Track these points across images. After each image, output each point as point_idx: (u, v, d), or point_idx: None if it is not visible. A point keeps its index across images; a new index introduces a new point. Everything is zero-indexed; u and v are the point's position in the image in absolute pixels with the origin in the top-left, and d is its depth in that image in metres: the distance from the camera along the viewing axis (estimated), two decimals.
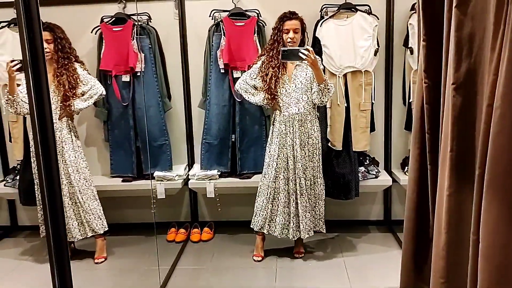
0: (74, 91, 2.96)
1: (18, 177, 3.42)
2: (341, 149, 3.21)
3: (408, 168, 3.37)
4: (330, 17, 3.17)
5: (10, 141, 3.46)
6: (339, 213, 3.61)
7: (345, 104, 3.18)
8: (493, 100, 1.20)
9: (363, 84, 3.17)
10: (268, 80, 2.89)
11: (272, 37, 2.94)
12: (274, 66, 2.90)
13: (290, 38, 2.85)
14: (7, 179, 3.50)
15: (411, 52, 3.19)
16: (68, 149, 2.98)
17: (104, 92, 3.10)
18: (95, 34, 3.35)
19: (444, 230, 1.76)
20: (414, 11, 3.20)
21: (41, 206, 1.29)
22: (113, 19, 3.34)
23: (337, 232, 3.48)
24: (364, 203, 3.61)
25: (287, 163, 2.93)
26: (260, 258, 3.09)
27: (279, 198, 2.97)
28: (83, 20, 3.35)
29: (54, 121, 2.86)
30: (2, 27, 3.32)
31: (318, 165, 2.99)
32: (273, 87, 2.89)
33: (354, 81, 3.17)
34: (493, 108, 1.19)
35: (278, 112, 2.97)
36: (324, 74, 3.16)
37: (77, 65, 3.02)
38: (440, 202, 1.79)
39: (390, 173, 3.47)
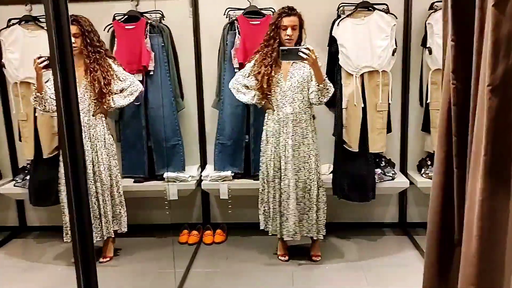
0: (109, 88, 2.89)
1: (28, 177, 3.38)
2: (357, 150, 3.16)
3: (424, 170, 3.33)
4: (347, 16, 3.12)
5: (20, 140, 3.42)
6: (353, 215, 3.56)
7: (362, 105, 3.12)
8: None
9: (380, 84, 3.11)
10: (260, 78, 2.82)
11: (269, 33, 2.83)
12: (267, 64, 2.82)
13: (288, 35, 2.77)
14: (17, 179, 3.47)
15: (430, 52, 3.13)
16: (101, 147, 2.93)
17: (143, 89, 3.05)
18: (107, 32, 3.31)
19: (476, 237, 1.70)
20: (433, 10, 3.15)
21: (67, 207, 1.25)
22: (126, 17, 3.30)
23: (352, 234, 3.43)
24: (379, 205, 3.56)
25: (280, 163, 2.87)
26: (286, 258, 3.05)
27: (282, 199, 2.92)
28: (95, 17, 3.27)
29: (88, 117, 2.86)
30: (13, 24, 3.28)
31: (314, 166, 2.89)
32: (265, 86, 2.82)
33: (371, 81, 3.11)
34: None
35: (271, 111, 2.91)
36: (341, 74, 3.12)
37: (110, 60, 2.95)
38: (471, 207, 1.73)
39: (406, 175, 3.42)
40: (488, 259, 1.64)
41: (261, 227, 3.04)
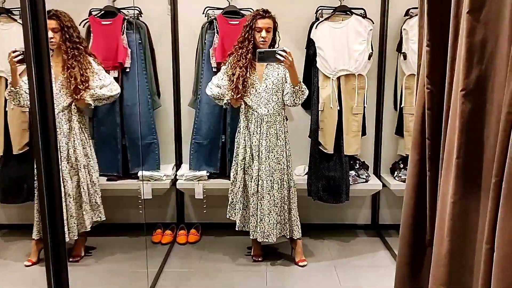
0: (86, 85, 2.83)
1: None
2: (332, 152, 3.19)
3: (397, 173, 3.39)
4: (325, 19, 3.15)
5: None
6: (327, 216, 3.59)
7: (338, 107, 3.16)
8: None
9: (356, 87, 3.15)
10: (235, 80, 2.82)
11: (243, 35, 2.84)
12: (242, 65, 2.82)
13: (262, 37, 2.79)
14: None
15: (404, 58, 3.20)
16: (78, 144, 2.88)
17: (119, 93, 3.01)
18: (83, 27, 3.24)
19: (447, 237, 1.74)
20: (409, 16, 3.21)
21: (39, 205, 1.22)
22: (102, 12, 3.24)
23: (326, 236, 3.46)
24: (352, 207, 3.60)
25: (252, 164, 2.89)
26: (260, 258, 3.05)
27: (252, 201, 2.92)
28: (70, 11, 3.22)
29: (63, 113, 2.80)
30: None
31: (287, 167, 2.92)
32: (240, 87, 2.82)
33: (347, 84, 3.15)
34: None
35: (245, 112, 2.92)
36: (318, 76, 3.15)
37: (90, 58, 2.90)
38: (443, 209, 1.77)
39: (379, 177, 3.47)
40: (459, 260, 1.68)
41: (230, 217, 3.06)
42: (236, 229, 3.01)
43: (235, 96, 2.83)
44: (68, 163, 2.86)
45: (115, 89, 2.96)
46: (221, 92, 2.89)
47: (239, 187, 2.96)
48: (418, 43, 2.33)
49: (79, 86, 2.80)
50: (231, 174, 3.02)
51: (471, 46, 1.53)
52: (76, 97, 2.81)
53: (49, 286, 1.33)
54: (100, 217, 3.03)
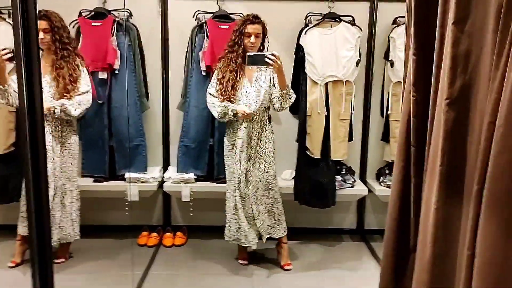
0: (75, 85, 2.82)
1: None
2: (319, 157, 3.22)
3: (383, 178, 3.43)
4: (314, 25, 3.19)
5: None
6: (313, 220, 3.61)
7: (325, 113, 3.19)
8: (495, 117, 1.22)
9: (343, 94, 3.19)
10: (224, 83, 2.84)
11: (233, 40, 2.87)
12: (232, 69, 2.85)
13: (251, 42, 2.81)
14: None
15: (391, 65, 3.24)
16: (62, 145, 2.87)
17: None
18: (73, 27, 3.23)
19: (430, 243, 1.77)
20: (396, 24, 3.27)
21: (26, 205, 1.22)
22: (92, 13, 3.24)
23: (311, 240, 3.49)
24: (338, 212, 3.63)
25: (246, 168, 2.88)
26: (246, 262, 3.06)
27: (246, 205, 2.91)
28: (61, 12, 3.21)
29: (49, 114, 2.77)
30: None
31: (272, 168, 2.93)
32: (229, 90, 2.83)
33: (335, 90, 3.19)
34: (495, 125, 1.21)
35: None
36: (307, 82, 3.18)
37: (78, 60, 2.88)
38: (426, 215, 1.81)
39: (365, 182, 3.51)
40: (441, 265, 1.71)
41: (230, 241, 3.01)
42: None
43: (222, 98, 2.84)
44: (53, 165, 2.84)
45: (86, 104, 2.90)
46: (224, 106, 2.83)
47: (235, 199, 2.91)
48: (405, 51, 2.37)
49: (67, 86, 2.79)
50: (228, 185, 2.96)
51: (456, 56, 1.56)
52: (64, 97, 2.80)
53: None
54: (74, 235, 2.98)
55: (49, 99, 2.81)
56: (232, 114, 2.81)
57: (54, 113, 2.77)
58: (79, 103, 2.86)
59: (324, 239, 3.51)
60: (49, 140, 2.83)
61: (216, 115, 2.90)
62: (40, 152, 1.21)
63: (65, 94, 2.80)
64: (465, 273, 1.38)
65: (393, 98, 3.27)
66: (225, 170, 2.99)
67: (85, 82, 2.91)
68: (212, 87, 2.93)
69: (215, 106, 2.87)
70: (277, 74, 2.77)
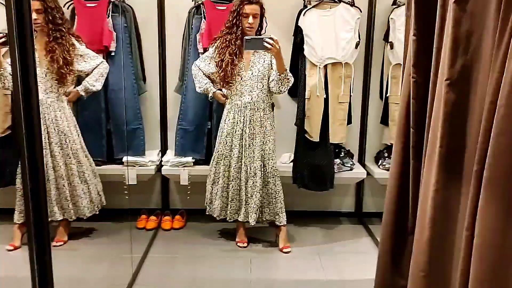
0: (70, 68, 2.79)
1: None
2: (318, 140, 3.20)
3: (381, 161, 3.43)
4: (313, 6, 3.14)
5: None
6: (311, 204, 3.62)
7: (324, 96, 3.16)
8: (496, 97, 1.20)
9: (342, 76, 3.16)
10: (224, 66, 2.81)
11: (230, 20, 2.83)
12: (231, 52, 2.81)
13: (249, 23, 2.78)
14: None
15: (391, 47, 3.21)
16: (64, 129, 2.88)
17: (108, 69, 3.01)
18: (68, 9, 3.17)
19: (428, 225, 1.77)
20: (396, 6, 3.22)
21: (22, 189, 1.21)
22: None
23: (310, 223, 3.50)
24: (336, 195, 3.64)
25: (238, 151, 2.89)
26: (245, 244, 3.07)
27: (231, 186, 2.94)
28: None
29: (51, 99, 2.79)
30: None
31: (271, 153, 2.92)
32: (229, 75, 2.81)
33: (334, 72, 3.16)
34: (496, 105, 1.19)
35: (229, 100, 2.92)
36: (305, 64, 3.15)
37: (73, 39, 2.84)
38: (425, 197, 1.80)
39: (364, 166, 3.50)
40: (439, 247, 1.71)
41: (214, 215, 3.05)
42: (217, 218, 3.04)
43: (223, 84, 2.83)
44: (60, 149, 2.85)
45: (105, 70, 2.97)
46: (206, 87, 2.94)
47: (218, 179, 2.96)
48: (405, 32, 2.34)
49: (61, 70, 2.76)
50: (210, 164, 3.02)
51: (457, 37, 1.54)
52: (61, 81, 2.77)
53: (32, 271, 1.32)
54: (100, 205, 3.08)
55: (49, 84, 2.79)
56: (210, 97, 2.94)
57: (83, 97, 2.91)
58: (101, 75, 2.94)
59: (322, 222, 3.52)
60: (50, 124, 2.83)
61: (197, 89, 2.99)
62: (36, 134, 1.19)
63: (60, 78, 2.77)
64: (463, 254, 1.38)
65: (392, 81, 3.25)
66: (215, 150, 3.01)
67: (92, 55, 2.93)
68: (203, 59, 2.93)
69: (200, 81, 2.95)
70: (275, 58, 2.74)
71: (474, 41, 1.52)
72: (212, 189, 3.01)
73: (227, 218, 3.02)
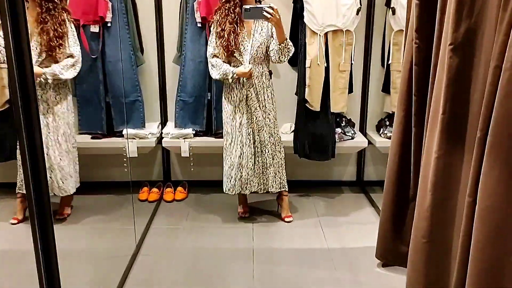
0: (60, 41, 2.72)
1: None
2: (319, 109, 3.18)
3: (383, 130, 3.41)
4: None
5: None
6: (313, 173, 3.63)
7: (325, 64, 3.12)
8: (501, 61, 1.17)
9: (343, 44, 3.11)
10: (226, 36, 2.74)
11: None
12: (231, 21, 2.75)
13: None
14: None
15: (393, 13, 3.14)
16: (58, 102, 2.82)
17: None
18: None
19: (430, 191, 1.77)
20: None
21: (21, 163, 1.20)
22: None
23: (311, 192, 3.51)
24: (338, 164, 3.64)
25: (240, 119, 2.86)
26: (247, 215, 3.09)
27: (243, 158, 2.89)
28: None
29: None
30: None
31: (273, 121, 2.90)
32: (233, 44, 2.74)
33: (335, 40, 3.10)
34: (501, 69, 1.17)
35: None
36: (305, 32, 3.09)
37: (65, 15, 2.76)
38: (427, 164, 1.80)
39: (365, 134, 3.49)
40: (440, 214, 1.71)
41: (233, 193, 2.98)
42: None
43: (226, 54, 2.77)
44: (46, 123, 2.81)
45: (79, 64, 2.85)
46: (223, 71, 2.79)
47: (233, 157, 2.91)
48: None
49: (51, 43, 2.70)
50: (224, 135, 2.96)
51: None
52: (50, 53, 2.71)
53: (35, 244, 1.33)
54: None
55: (43, 57, 2.73)
56: (232, 78, 2.78)
57: (45, 80, 2.72)
58: (73, 67, 2.81)
59: (324, 192, 3.54)
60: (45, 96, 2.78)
61: (215, 78, 2.87)
62: (33, 109, 1.18)
63: (48, 51, 2.71)
64: (465, 220, 1.38)
65: (394, 48, 3.19)
66: (223, 126, 2.97)
67: (73, 42, 2.82)
68: (212, 44, 2.84)
69: (218, 69, 2.81)
70: (275, 27, 2.69)
71: (479, 3, 1.48)
72: (229, 168, 2.95)
73: (245, 192, 2.96)
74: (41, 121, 2.61)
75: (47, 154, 2.81)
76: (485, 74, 1.50)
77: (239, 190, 2.94)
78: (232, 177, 2.93)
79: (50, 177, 2.83)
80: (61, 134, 2.85)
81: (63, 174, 2.87)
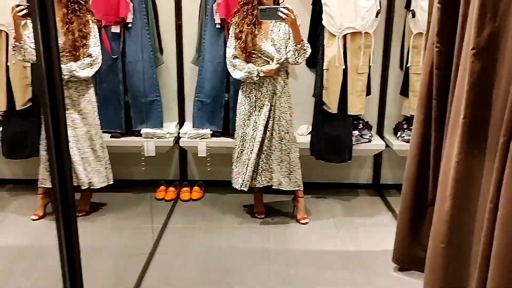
0: (84, 41, 2.78)
1: (1, 129, 3.28)
2: (336, 111, 3.17)
3: (400, 133, 3.39)
4: None
5: None
6: (329, 175, 3.62)
7: (343, 66, 3.11)
8: None
9: (362, 46, 3.10)
10: (244, 37, 2.76)
11: None
12: (249, 23, 2.76)
13: None
14: None
15: (413, 15, 3.12)
16: (84, 101, 2.89)
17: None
18: None
19: (450, 196, 1.76)
20: None
21: (48, 158, 1.23)
22: None
23: (327, 194, 3.50)
24: (354, 167, 3.62)
25: (255, 119, 2.87)
26: (263, 215, 3.10)
27: (252, 153, 2.89)
28: None
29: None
30: None
31: (289, 120, 2.89)
32: (250, 45, 2.77)
33: (353, 43, 3.09)
34: None
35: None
36: (324, 34, 3.10)
37: (89, 16, 2.82)
38: (447, 168, 1.78)
39: (382, 137, 3.47)
40: (460, 219, 1.70)
41: (234, 185, 3.02)
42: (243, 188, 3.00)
43: (244, 55, 2.79)
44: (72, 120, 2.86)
45: (96, 64, 2.88)
46: (248, 70, 2.80)
47: (243, 154, 2.93)
48: (429, 1, 2.27)
49: (76, 43, 2.76)
50: (235, 137, 2.99)
51: (484, 3, 1.49)
52: (75, 53, 2.77)
53: (59, 239, 1.36)
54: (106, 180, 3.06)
55: (65, 57, 2.79)
56: (257, 76, 2.79)
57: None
58: (90, 66, 2.85)
59: (340, 194, 3.53)
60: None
61: (238, 78, 2.87)
62: (59, 106, 1.20)
63: (72, 50, 2.77)
64: (487, 225, 1.37)
65: (413, 50, 3.17)
66: (236, 125, 2.99)
67: (94, 42, 2.86)
68: (231, 46, 2.86)
69: (240, 70, 2.83)
70: (291, 28, 2.70)
71: (503, 7, 1.47)
72: (237, 164, 2.98)
73: (254, 185, 2.97)
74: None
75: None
76: (508, 79, 1.49)
77: (248, 182, 2.92)
78: (240, 173, 2.95)
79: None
80: (85, 131, 2.92)
81: (86, 167, 2.93)
